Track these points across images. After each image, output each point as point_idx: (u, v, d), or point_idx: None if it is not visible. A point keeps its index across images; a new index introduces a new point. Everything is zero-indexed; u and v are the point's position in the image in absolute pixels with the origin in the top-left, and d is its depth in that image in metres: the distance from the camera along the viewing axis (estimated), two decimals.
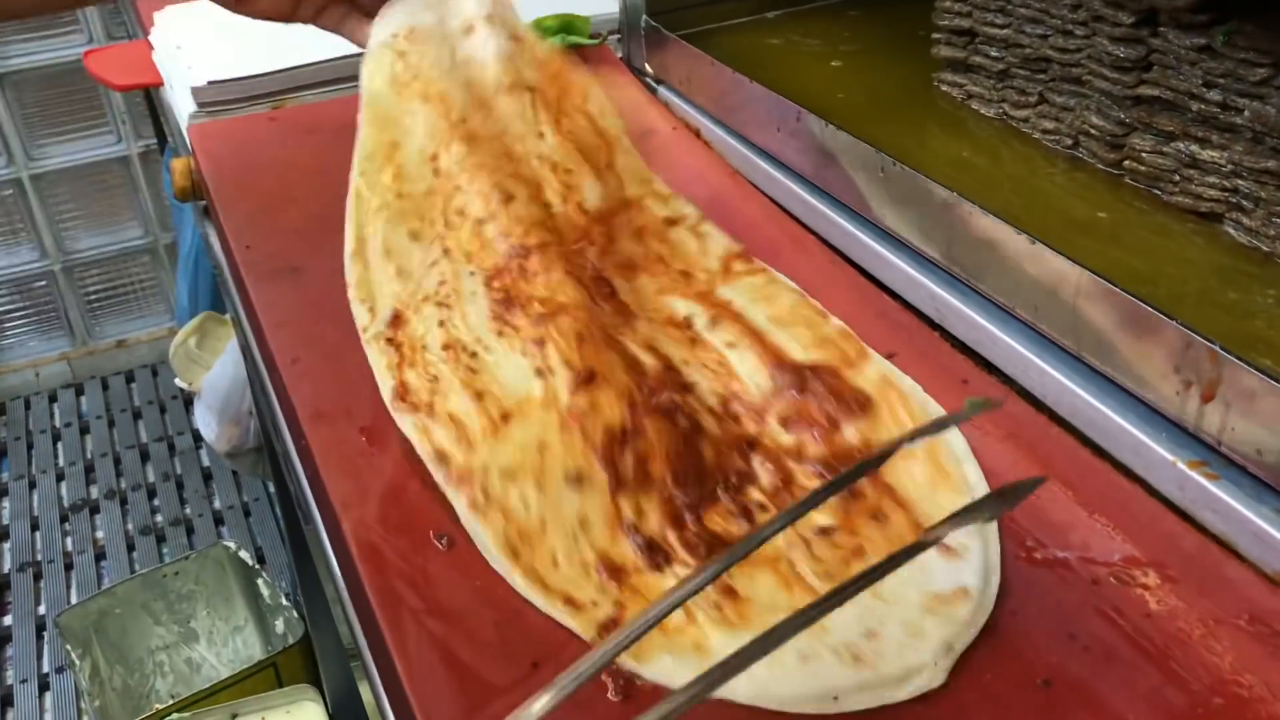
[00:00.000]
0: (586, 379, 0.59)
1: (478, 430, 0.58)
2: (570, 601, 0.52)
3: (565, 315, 0.62)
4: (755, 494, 0.57)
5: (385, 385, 0.63)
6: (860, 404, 0.60)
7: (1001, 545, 0.54)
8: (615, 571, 0.53)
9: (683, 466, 0.57)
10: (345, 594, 0.59)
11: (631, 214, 0.75)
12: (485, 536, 0.54)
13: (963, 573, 0.52)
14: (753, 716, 0.47)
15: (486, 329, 0.64)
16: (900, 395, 0.61)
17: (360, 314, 0.67)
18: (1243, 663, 0.47)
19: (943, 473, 0.57)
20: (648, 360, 0.63)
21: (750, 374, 0.63)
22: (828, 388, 0.61)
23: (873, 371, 0.63)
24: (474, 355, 0.63)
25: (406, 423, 0.60)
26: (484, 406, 0.59)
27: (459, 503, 0.56)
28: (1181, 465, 0.54)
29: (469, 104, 0.72)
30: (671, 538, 0.54)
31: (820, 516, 0.55)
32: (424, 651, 0.50)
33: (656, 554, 0.54)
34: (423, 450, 0.59)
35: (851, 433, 0.59)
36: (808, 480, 0.57)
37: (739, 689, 0.48)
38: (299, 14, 0.77)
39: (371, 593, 0.53)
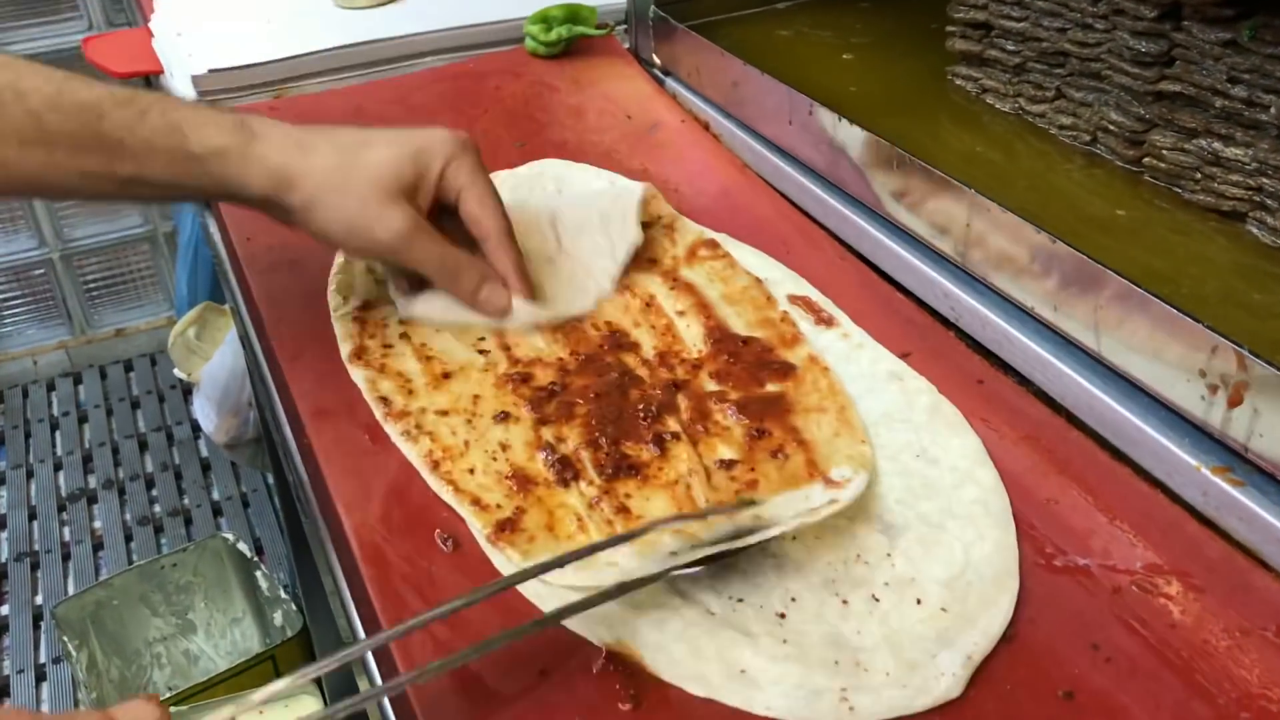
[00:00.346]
0: (526, 361, 0.66)
1: (420, 385, 0.64)
2: (477, 502, 0.56)
3: None
4: (671, 423, 0.61)
5: (345, 347, 0.67)
6: (785, 371, 0.64)
7: (1020, 551, 0.53)
8: (524, 482, 0.58)
9: (607, 403, 0.62)
10: (347, 594, 0.58)
11: None
12: (413, 454, 0.60)
13: (841, 494, 0.55)
14: None
15: None
16: (823, 370, 0.64)
17: (335, 300, 0.71)
18: (1271, 676, 0.46)
19: (848, 426, 0.60)
20: (593, 332, 0.68)
21: (693, 339, 0.67)
22: (758, 358, 0.65)
23: (803, 351, 0.66)
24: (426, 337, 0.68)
25: (359, 375, 0.65)
26: (429, 367, 0.65)
27: (393, 431, 0.61)
28: (1205, 471, 0.53)
29: None
30: (584, 456, 0.59)
31: (726, 450, 0.59)
32: (428, 657, 0.49)
33: (566, 469, 0.58)
34: (369, 395, 0.64)
35: (772, 388, 0.63)
36: (723, 416, 0.61)
37: (764, 700, 0.47)
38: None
39: (375, 596, 0.52)
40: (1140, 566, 0.52)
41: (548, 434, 0.60)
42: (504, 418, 0.62)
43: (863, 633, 0.50)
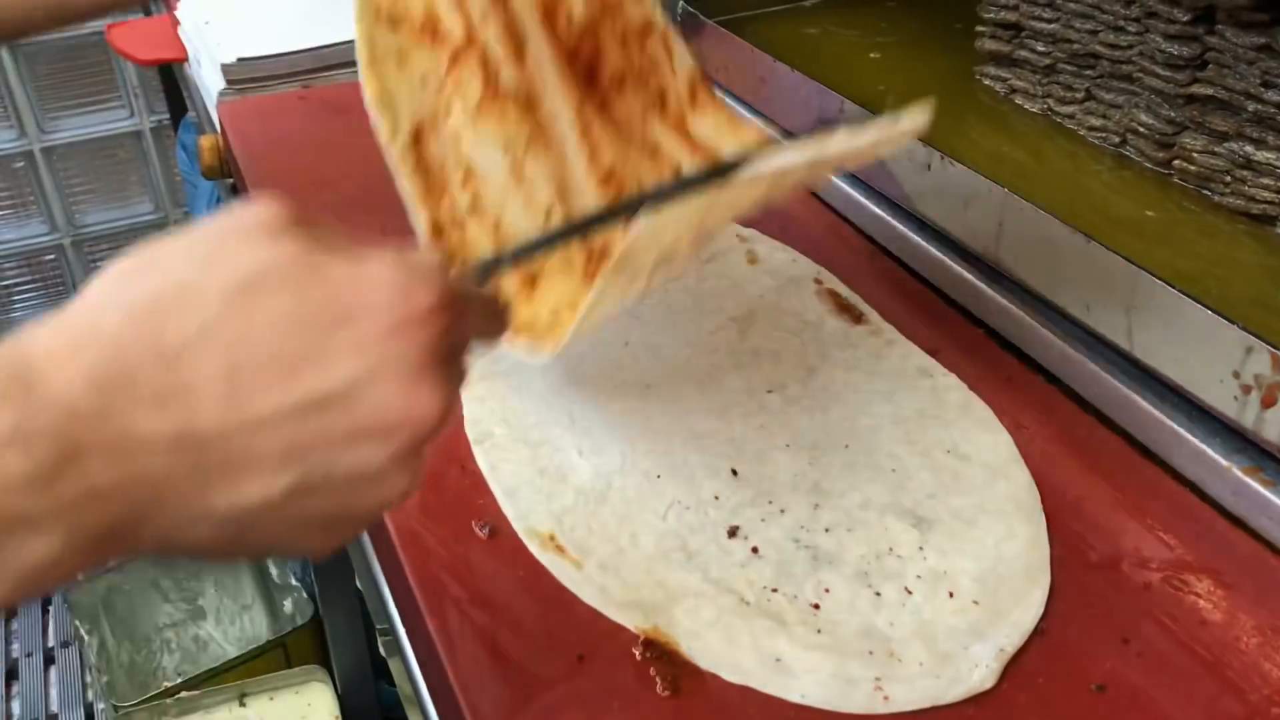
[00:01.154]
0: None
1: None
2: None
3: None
4: None
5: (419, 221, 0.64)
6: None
7: (1051, 547, 0.54)
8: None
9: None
10: (381, 577, 0.58)
11: (614, 19, 0.74)
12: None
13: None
14: (802, 715, 0.47)
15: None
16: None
17: (383, 130, 0.65)
18: None
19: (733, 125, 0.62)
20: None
21: None
22: None
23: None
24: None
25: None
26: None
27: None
28: (1237, 471, 0.54)
29: None
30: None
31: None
32: (468, 642, 0.50)
33: None
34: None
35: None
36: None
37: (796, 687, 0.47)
38: None
39: (414, 581, 0.52)
40: (1170, 564, 0.52)
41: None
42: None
43: (896, 624, 0.50)
